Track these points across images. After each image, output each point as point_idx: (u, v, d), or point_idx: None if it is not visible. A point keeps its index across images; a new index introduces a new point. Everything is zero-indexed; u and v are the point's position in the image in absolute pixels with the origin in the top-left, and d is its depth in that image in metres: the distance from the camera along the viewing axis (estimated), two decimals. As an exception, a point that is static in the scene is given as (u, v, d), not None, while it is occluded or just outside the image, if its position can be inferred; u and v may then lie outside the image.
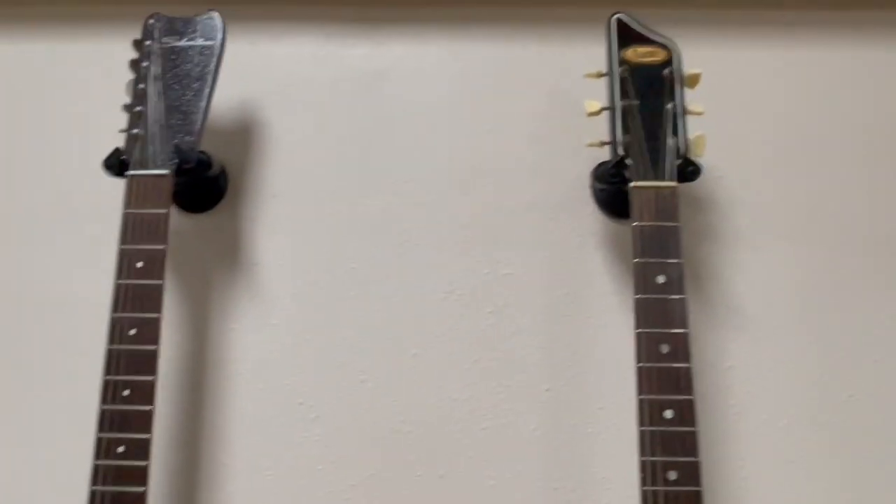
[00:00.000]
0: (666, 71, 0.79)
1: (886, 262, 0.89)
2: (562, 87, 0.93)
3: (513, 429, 0.86)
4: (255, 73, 0.95)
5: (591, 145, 0.80)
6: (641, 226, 0.75)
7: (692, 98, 0.80)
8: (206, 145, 0.84)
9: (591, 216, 0.91)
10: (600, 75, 0.81)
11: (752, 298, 0.89)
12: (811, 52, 0.95)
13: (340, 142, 0.94)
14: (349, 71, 0.95)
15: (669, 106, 0.78)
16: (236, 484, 0.86)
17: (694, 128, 0.79)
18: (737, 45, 0.95)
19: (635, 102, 0.78)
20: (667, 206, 0.75)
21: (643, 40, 0.81)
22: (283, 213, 0.92)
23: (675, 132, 0.78)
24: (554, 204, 0.91)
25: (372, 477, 0.86)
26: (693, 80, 0.81)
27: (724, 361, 0.88)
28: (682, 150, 0.77)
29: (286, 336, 0.89)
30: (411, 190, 0.92)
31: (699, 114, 0.80)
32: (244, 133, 0.94)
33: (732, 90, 0.93)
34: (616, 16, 0.81)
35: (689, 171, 0.78)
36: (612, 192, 0.85)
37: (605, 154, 0.80)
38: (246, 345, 0.89)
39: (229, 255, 0.91)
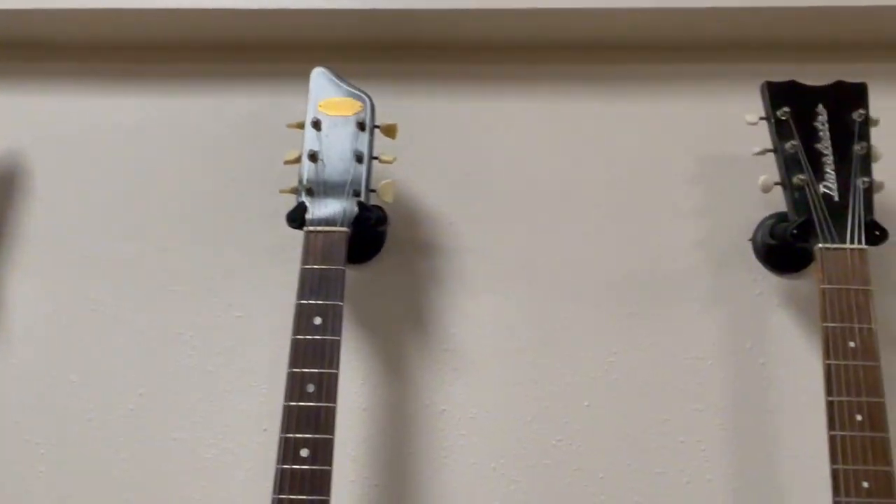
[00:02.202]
0: (358, 121, 0.84)
1: (598, 308, 0.90)
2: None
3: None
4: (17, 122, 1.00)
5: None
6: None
7: (390, 148, 0.84)
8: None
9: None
10: (300, 126, 0.85)
11: (469, 341, 0.91)
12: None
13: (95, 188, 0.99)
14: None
15: (353, 152, 0.82)
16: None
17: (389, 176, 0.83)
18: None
19: (318, 151, 0.81)
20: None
21: (339, 93, 0.85)
22: (32, 255, 0.96)
23: (357, 179, 0.81)
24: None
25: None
26: (389, 130, 0.85)
27: (439, 404, 0.90)
28: (365, 196, 0.81)
29: (20, 374, 0.93)
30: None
31: (388, 162, 0.84)
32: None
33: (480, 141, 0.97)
34: (316, 69, 0.86)
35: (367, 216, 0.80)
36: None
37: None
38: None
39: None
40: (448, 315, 0.92)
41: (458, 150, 0.96)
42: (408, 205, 0.95)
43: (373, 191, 0.84)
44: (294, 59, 0.94)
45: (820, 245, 0.77)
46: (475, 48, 0.97)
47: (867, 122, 0.81)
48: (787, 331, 0.89)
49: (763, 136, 0.83)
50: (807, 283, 0.91)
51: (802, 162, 0.80)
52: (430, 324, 0.92)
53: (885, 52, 0.95)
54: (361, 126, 0.83)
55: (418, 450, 0.89)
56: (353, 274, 0.94)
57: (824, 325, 0.74)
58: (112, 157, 0.99)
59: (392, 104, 0.94)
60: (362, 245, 0.93)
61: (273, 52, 0.99)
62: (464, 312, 0.92)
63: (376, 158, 0.84)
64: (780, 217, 0.87)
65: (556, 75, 0.97)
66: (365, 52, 0.96)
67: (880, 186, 0.81)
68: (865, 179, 0.79)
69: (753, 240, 0.92)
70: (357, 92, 0.85)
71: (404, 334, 0.92)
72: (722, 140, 0.93)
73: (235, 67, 1.00)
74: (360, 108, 0.85)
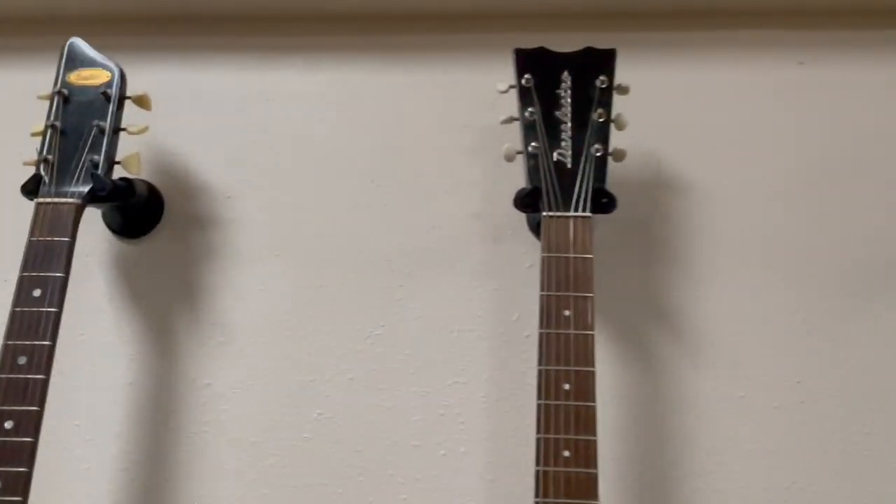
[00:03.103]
0: (104, 91, 0.83)
1: (367, 280, 0.89)
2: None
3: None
4: None
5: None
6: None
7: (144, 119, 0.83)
8: None
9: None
10: (49, 97, 0.84)
11: (237, 315, 0.90)
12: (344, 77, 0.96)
13: None
14: None
15: (96, 124, 0.81)
16: None
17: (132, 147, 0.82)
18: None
19: (58, 124, 0.81)
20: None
21: (89, 64, 0.85)
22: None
23: (97, 150, 0.81)
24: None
25: None
26: (142, 101, 0.84)
27: (204, 378, 0.89)
28: (103, 168, 0.80)
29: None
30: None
31: (136, 133, 0.83)
32: None
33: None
34: (70, 40, 0.86)
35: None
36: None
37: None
38: None
39: None
40: (219, 289, 0.91)
41: (235, 124, 0.95)
42: (186, 178, 0.95)
43: (118, 163, 0.83)
44: (61, 32, 0.93)
45: (544, 213, 0.76)
46: (252, 19, 0.96)
47: (610, 89, 0.79)
48: (554, 303, 0.88)
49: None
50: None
51: (539, 129, 0.79)
52: (200, 298, 0.91)
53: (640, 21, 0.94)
54: (107, 97, 0.83)
55: (180, 424, 0.88)
56: (127, 248, 0.94)
57: (541, 293, 0.73)
58: None
59: (168, 76, 0.94)
60: (134, 219, 0.93)
61: (39, 26, 0.97)
62: (235, 286, 0.91)
63: (123, 130, 0.84)
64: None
65: (332, 47, 0.96)
66: (142, 24, 0.95)
67: (622, 154, 0.79)
68: (598, 147, 0.77)
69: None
70: (107, 63, 0.84)
71: (175, 308, 0.91)
72: (497, 111, 0.92)
73: None
74: (107, 79, 0.84)
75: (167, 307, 0.91)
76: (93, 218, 0.92)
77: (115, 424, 0.88)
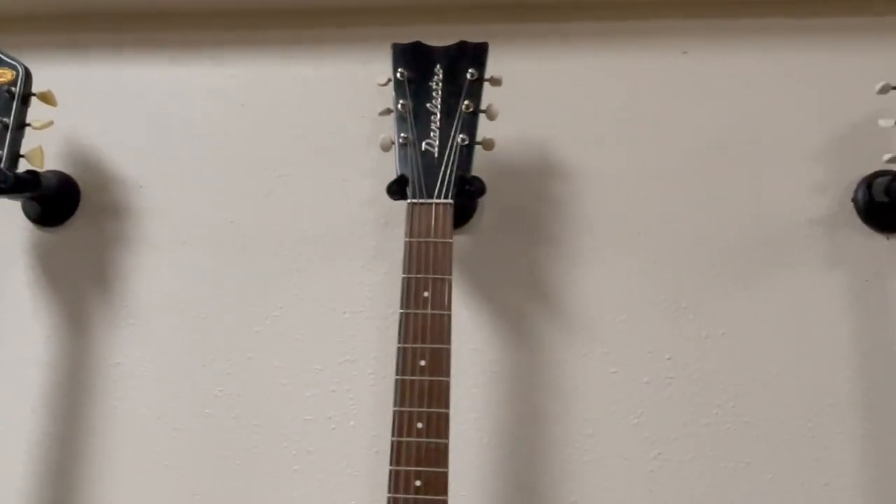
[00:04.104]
0: (9, 89, 0.88)
1: (267, 264, 0.94)
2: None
3: None
4: None
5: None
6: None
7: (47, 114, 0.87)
8: None
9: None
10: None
11: (146, 298, 0.95)
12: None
13: None
14: None
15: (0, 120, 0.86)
16: None
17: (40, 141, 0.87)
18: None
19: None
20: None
21: (-1, 63, 0.90)
22: None
23: (1, 145, 0.86)
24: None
25: None
26: (46, 98, 0.89)
27: (114, 358, 0.95)
28: (6, 162, 0.85)
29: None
30: None
31: (40, 128, 0.88)
32: None
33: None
34: (-23, 42, 0.91)
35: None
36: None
37: None
38: None
39: None
40: (131, 274, 0.97)
41: (147, 117, 1.00)
42: (101, 170, 1.00)
43: (22, 156, 0.89)
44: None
45: (409, 200, 0.80)
46: (160, 16, 1.00)
47: (479, 81, 0.83)
48: (442, 284, 0.93)
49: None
50: (469, 238, 0.94)
51: (409, 120, 0.83)
52: (113, 282, 0.97)
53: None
54: (11, 94, 0.88)
55: (92, 400, 0.94)
56: (45, 236, 0.99)
57: (403, 276, 0.78)
58: None
59: (82, 72, 1.00)
60: (50, 209, 0.98)
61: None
62: (145, 271, 0.97)
63: (28, 125, 0.89)
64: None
65: (236, 42, 1.00)
66: (51, 22, 1.00)
67: (491, 143, 0.83)
68: (464, 136, 0.81)
69: None
70: (11, 61, 0.90)
71: (89, 292, 0.97)
72: (388, 102, 0.95)
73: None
74: (11, 77, 0.89)
75: (82, 291, 0.97)
76: (13, 209, 0.99)
77: (31, 401, 0.94)
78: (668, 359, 0.89)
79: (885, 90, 0.80)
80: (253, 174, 0.97)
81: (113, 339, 0.95)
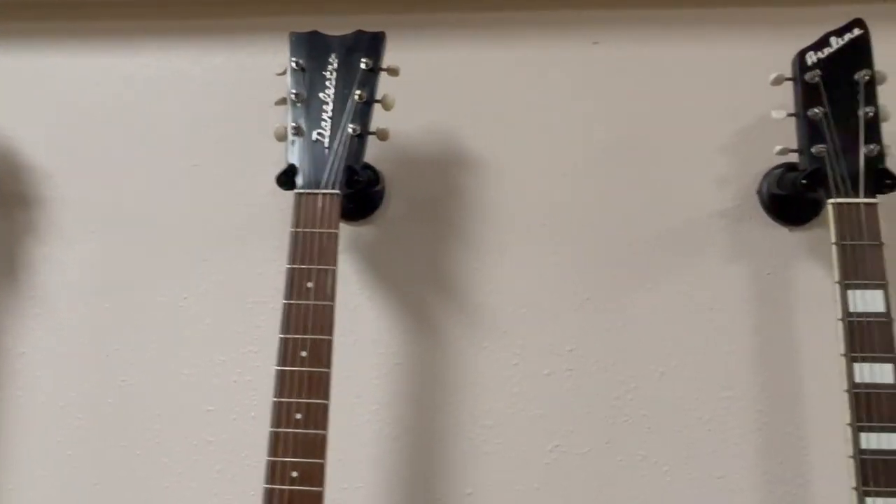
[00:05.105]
0: None
1: (175, 253, 0.93)
2: None
3: None
4: None
5: None
6: None
7: None
8: None
9: None
10: None
11: (53, 288, 0.95)
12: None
13: None
14: None
15: None
16: None
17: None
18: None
19: None
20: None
21: None
22: None
23: None
24: None
25: None
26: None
27: (19, 347, 0.95)
28: None
29: None
30: None
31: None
32: None
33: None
34: None
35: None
36: None
37: None
38: None
39: None
40: (39, 264, 0.96)
41: (57, 106, 0.99)
42: (10, 159, 0.99)
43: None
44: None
45: (296, 191, 0.80)
46: (72, 4, 0.99)
47: (374, 71, 0.83)
48: (346, 276, 0.93)
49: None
50: (373, 229, 0.93)
51: (301, 110, 0.82)
52: (19, 272, 0.97)
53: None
54: None
55: (-5, 390, 0.94)
56: (-46, 226, 0.99)
57: (288, 266, 0.77)
58: None
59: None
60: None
61: None
62: (53, 261, 0.96)
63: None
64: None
65: (149, 30, 0.99)
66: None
67: (385, 134, 0.83)
68: (355, 126, 0.81)
69: None
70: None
71: (-4, 282, 0.97)
72: (298, 91, 0.96)
73: None
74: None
75: (-10, 281, 0.98)
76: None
77: (-64, 391, 0.95)
78: (570, 350, 0.88)
79: (778, 81, 0.80)
80: (161, 164, 0.97)
81: (18, 328, 0.95)
